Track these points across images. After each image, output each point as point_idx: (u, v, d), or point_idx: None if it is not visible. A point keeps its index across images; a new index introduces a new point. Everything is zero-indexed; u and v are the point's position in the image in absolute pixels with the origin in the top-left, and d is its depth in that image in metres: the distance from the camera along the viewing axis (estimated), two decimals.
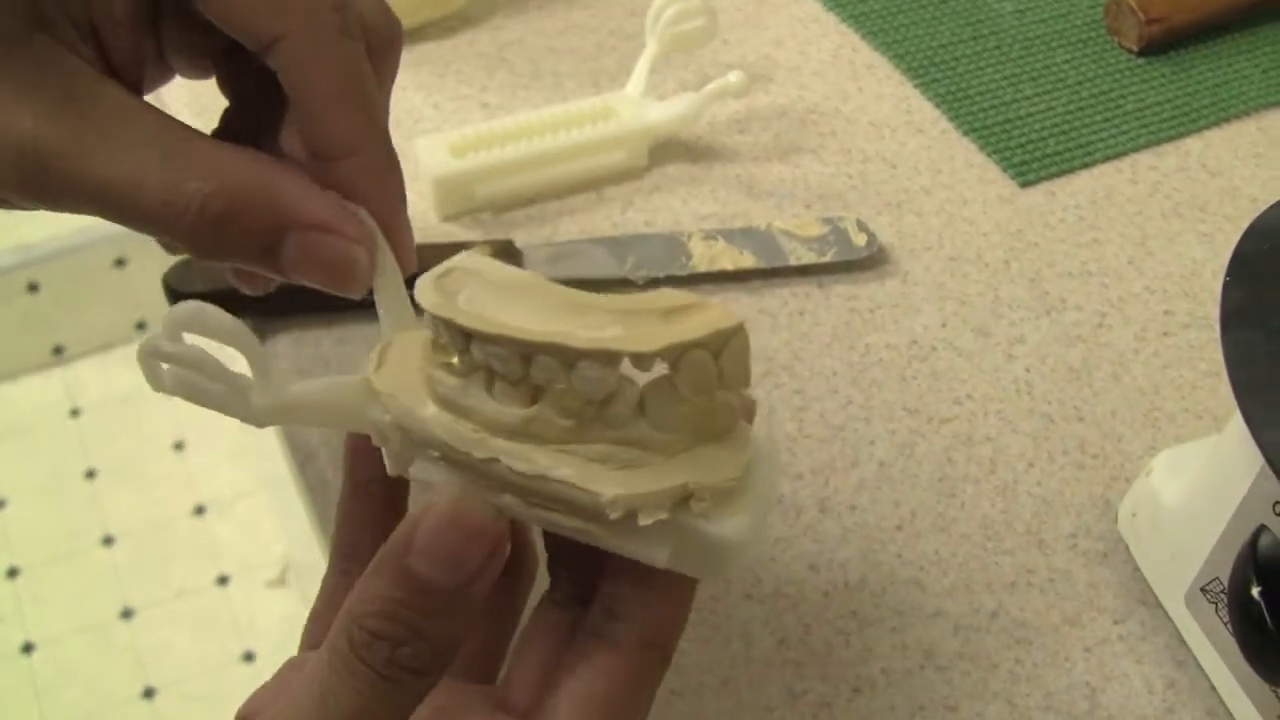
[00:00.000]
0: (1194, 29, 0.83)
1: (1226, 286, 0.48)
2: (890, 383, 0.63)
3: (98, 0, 0.39)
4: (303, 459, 0.58)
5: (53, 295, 2.07)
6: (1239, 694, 0.51)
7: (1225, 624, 0.50)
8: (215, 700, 1.79)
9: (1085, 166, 0.75)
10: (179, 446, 2.06)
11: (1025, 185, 0.74)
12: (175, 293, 0.62)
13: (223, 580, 1.92)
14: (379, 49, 0.43)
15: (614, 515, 0.36)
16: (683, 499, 0.37)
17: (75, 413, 2.11)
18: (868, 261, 0.68)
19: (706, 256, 0.66)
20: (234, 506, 2.00)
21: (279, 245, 0.39)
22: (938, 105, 0.78)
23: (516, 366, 0.36)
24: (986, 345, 0.65)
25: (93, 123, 0.38)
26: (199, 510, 2.00)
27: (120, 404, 2.12)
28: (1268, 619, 0.45)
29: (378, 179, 0.41)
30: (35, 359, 2.14)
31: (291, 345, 0.61)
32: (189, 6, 0.40)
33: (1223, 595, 0.50)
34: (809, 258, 0.66)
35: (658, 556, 0.37)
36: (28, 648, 1.83)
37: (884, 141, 0.75)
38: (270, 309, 0.62)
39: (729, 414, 0.38)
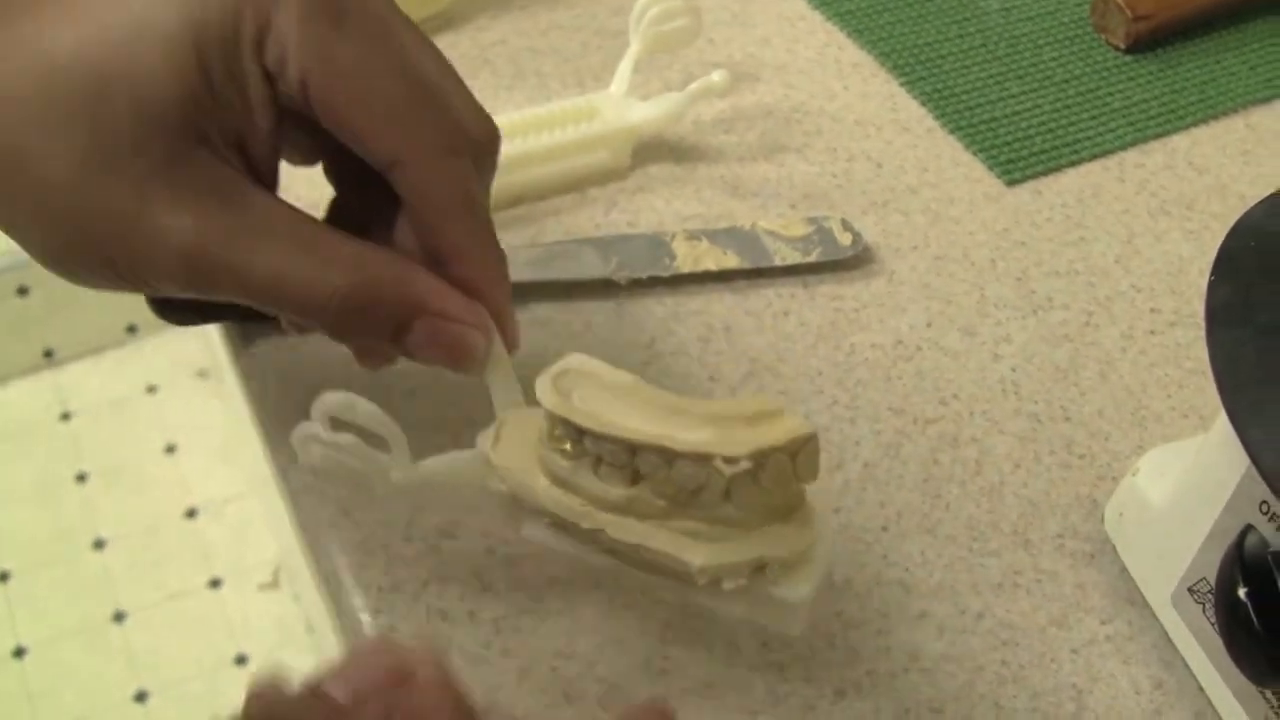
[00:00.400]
0: (1181, 26, 0.83)
1: (1212, 285, 0.48)
2: (875, 383, 0.62)
3: (245, 118, 0.45)
4: (284, 464, 0.57)
5: (43, 298, 2.07)
6: (1227, 695, 0.50)
7: (1212, 624, 0.50)
8: (208, 703, 1.79)
9: (1072, 165, 0.75)
10: (170, 449, 2.06)
11: (1012, 184, 0.73)
12: (155, 303, 0.61)
13: (215, 583, 1.92)
14: (480, 154, 0.49)
15: (702, 581, 0.45)
16: (759, 568, 0.45)
17: (66, 416, 2.10)
18: (853, 261, 0.67)
19: (690, 257, 0.65)
20: (226, 509, 1.99)
21: (407, 330, 0.47)
22: (924, 104, 0.78)
23: (623, 457, 0.44)
24: (972, 345, 0.64)
25: (246, 224, 0.45)
26: (191, 513, 1.99)
27: (111, 407, 2.11)
28: (1254, 620, 0.45)
29: (488, 277, 0.48)
30: (25, 362, 2.13)
31: (273, 350, 0.61)
32: (310, 117, 0.46)
33: (1210, 595, 0.50)
34: (794, 258, 0.66)
35: (735, 612, 0.47)
36: (19, 652, 1.83)
37: (869, 140, 0.75)
38: (253, 313, 0.62)
39: (800, 498, 0.46)
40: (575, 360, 0.47)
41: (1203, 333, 0.65)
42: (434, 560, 0.54)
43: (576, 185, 0.70)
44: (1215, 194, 0.74)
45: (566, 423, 0.45)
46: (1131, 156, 0.76)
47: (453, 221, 0.47)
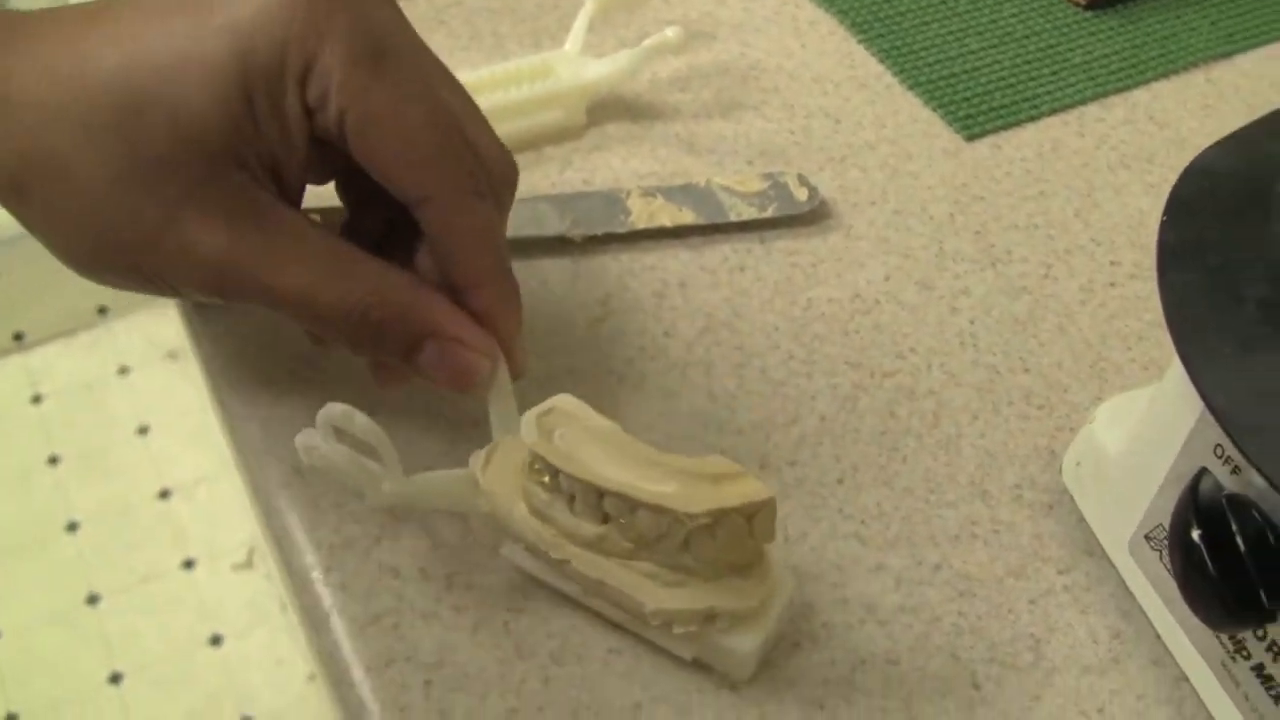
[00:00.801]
0: None
1: (1163, 227, 0.47)
2: (832, 337, 0.62)
3: (282, 146, 0.48)
4: (234, 424, 0.57)
5: (12, 281, 2.06)
6: (1184, 642, 0.50)
7: (1169, 571, 0.50)
8: (183, 684, 1.78)
9: (1032, 119, 0.75)
10: (143, 431, 2.05)
11: (971, 139, 0.73)
12: None
13: (189, 564, 1.91)
14: (500, 188, 0.52)
15: (655, 623, 0.47)
16: (710, 617, 0.47)
17: (37, 399, 2.09)
18: (809, 216, 0.67)
19: (645, 213, 0.65)
20: (199, 490, 1.99)
21: (419, 350, 0.49)
22: (882, 60, 0.77)
23: (593, 499, 0.47)
24: (930, 298, 0.64)
25: (278, 243, 0.48)
26: (164, 494, 1.98)
27: (82, 390, 2.10)
28: (1208, 563, 0.44)
29: (502, 308, 0.51)
30: None
31: (233, 321, 0.60)
32: (333, 144, 0.48)
33: (1166, 541, 0.49)
34: (750, 213, 0.65)
35: (684, 653, 0.49)
36: None
37: (827, 97, 0.74)
38: None
39: (759, 555, 0.48)
40: (562, 400, 0.51)
41: None
42: (385, 517, 0.53)
43: (532, 144, 0.69)
44: (1175, 148, 0.73)
45: (545, 460, 0.47)
46: (1092, 111, 0.76)
47: (473, 257, 0.50)
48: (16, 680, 1.78)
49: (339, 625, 0.50)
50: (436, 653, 0.49)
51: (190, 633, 1.84)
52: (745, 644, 0.48)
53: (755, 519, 0.46)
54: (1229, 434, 0.41)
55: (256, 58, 0.46)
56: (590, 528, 0.48)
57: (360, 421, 0.47)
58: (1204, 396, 0.42)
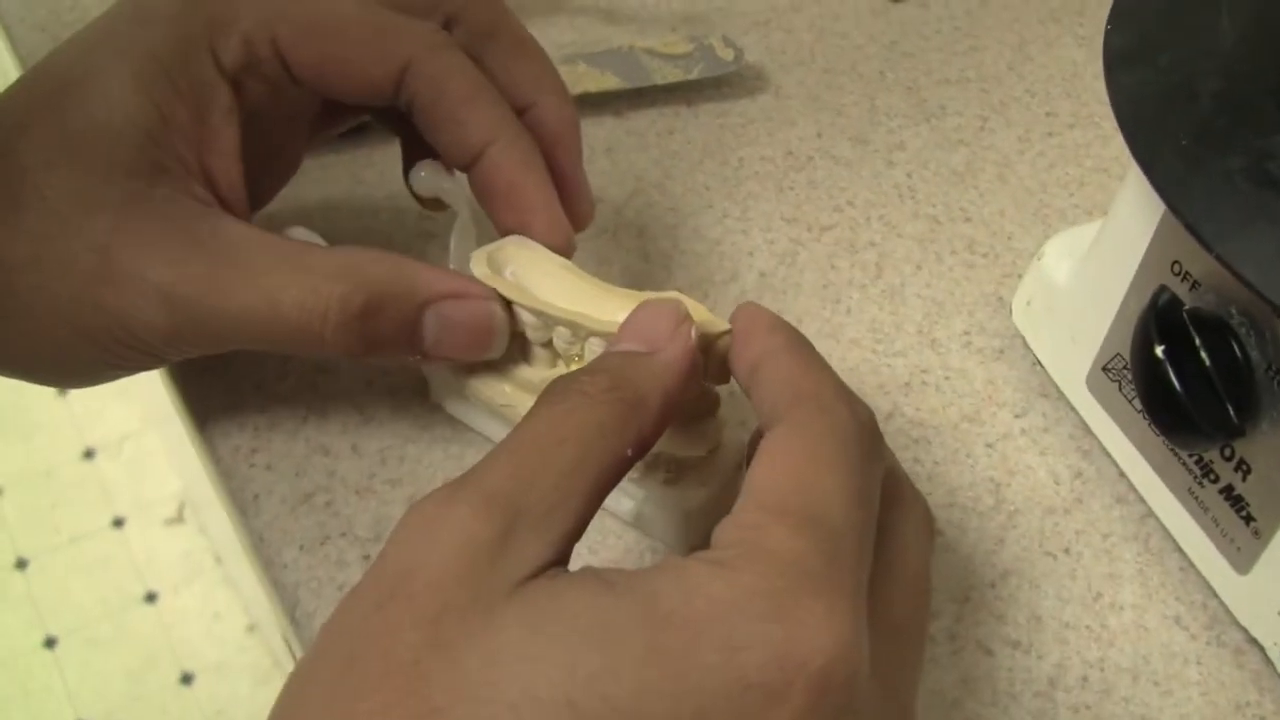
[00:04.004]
0: None
1: (1108, 35, 0.45)
2: (766, 194, 0.60)
3: (206, 140, 0.43)
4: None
5: None
6: (1147, 472, 0.48)
7: (1129, 400, 0.48)
8: (119, 643, 1.75)
9: None
10: (62, 391, 2.00)
11: (897, 0, 0.71)
12: None
13: (118, 522, 1.88)
14: (480, 36, 0.48)
15: None
16: (653, 464, 0.45)
17: None
18: (736, 78, 0.64)
19: (567, 80, 0.62)
20: (124, 447, 1.95)
21: (420, 325, 0.43)
22: None
23: (543, 334, 0.44)
24: (865, 153, 0.62)
25: (221, 259, 0.41)
26: (88, 454, 1.94)
27: None
28: (1173, 379, 0.43)
29: (523, 155, 0.45)
30: None
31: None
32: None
33: (1125, 371, 0.48)
34: (675, 75, 0.63)
35: (624, 509, 0.47)
36: None
37: None
38: None
39: (710, 401, 0.45)
40: (513, 240, 0.47)
41: (1101, 132, 0.63)
42: (311, 396, 0.51)
43: None
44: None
45: (496, 294, 0.45)
46: None
47: (470, 108, 0.45)
48: None
49: (268, 506, 0.48)
50: (373, 527, 0.47)
51: (124, 591, 1.80)
52: (690, 499, 0.45)
53: (710, 353, 0.42)
54: (1187, 226, 0.39)
55: (153, 43, 0.42)
56: (541, 371, 0.45)
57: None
58: (1160, 191, 0.40)
